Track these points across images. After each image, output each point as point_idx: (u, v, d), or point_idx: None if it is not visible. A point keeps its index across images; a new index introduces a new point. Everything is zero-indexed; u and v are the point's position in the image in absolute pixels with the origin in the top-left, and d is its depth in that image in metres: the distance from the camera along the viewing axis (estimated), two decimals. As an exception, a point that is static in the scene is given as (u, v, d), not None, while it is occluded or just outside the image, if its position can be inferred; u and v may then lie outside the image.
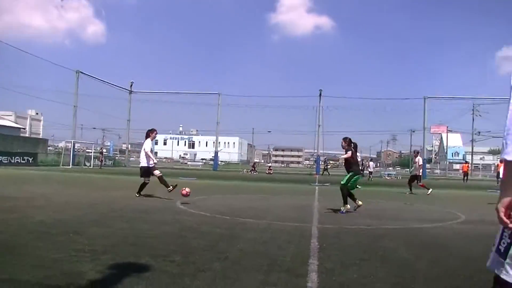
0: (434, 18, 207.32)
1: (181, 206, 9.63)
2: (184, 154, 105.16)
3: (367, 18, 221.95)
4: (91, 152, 47.39)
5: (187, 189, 10.48)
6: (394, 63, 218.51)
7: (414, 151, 22.57)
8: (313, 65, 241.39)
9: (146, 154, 11.59)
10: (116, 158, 61.02)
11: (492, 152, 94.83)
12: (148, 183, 11.61)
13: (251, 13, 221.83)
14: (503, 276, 1.72)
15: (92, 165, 40.93)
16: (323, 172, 45.83)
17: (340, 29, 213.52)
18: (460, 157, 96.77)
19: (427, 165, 57.53)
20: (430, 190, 17.51)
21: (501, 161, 23.92)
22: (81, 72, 42.55)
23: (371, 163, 39.89)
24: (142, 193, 11.52)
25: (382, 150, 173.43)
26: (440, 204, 12.94)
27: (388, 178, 43.92)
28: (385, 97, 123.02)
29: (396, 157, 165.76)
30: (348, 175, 9.71)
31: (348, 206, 9.54)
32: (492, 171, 56.22)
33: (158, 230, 6.52)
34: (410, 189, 18.00)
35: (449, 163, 79.10)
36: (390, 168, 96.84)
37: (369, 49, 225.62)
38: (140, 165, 11.82)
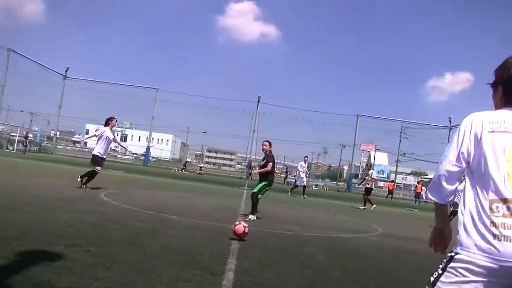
0: (374, 42, 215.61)
1: (105, 198, 9.32)
2: (115, 147, 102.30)
3: (312, 33, 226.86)
4: (16, 135, 44.86)
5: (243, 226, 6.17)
6: (331, 79, 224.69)
7: (367, 164, 22.83)
8: (255, 71, 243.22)
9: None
10: (43, 144, 58.11)
11: (414, 174, 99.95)
12: (98, 172, 11.08)
13: (199, 13, 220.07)
14: None
15: (15, 149, 38.76)
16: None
17: (285, 39, 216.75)
18: (385, 175, 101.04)
19: (354, 180, 59.44)
20: (374, 206, 17.77)
21: (418, 182, 25.22)
22: (13, 50, 40.27)
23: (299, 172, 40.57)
24: (88, 185, 10.89)
25: (313, 162, 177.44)
26: (361, 217, 13.40)
27: (315, 188, 44.99)
28: (321, 110, 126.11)
29: (325, 170, 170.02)
30: (262, 184, 9.10)
31: (255, 217, 8.78)
32: (412, 191, 58.99)
33: (78, 219, 6.26)
34: (370, 203, 17.96)
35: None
36: (319, 180, 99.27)
37: (310, 62, 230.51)
38: (93, 153, 11.31)
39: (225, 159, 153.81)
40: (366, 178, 19.50)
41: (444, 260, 1.98)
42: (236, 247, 5.58)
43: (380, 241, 8.36)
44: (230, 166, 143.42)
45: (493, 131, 2.00)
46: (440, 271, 1.98)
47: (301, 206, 14.94)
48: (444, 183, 2.06)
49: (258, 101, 49.21)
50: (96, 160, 11.09)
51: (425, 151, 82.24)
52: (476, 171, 2.01)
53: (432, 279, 2.02)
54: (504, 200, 1.88)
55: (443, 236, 2.16)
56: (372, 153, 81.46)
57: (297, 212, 12.35)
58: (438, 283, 1.97)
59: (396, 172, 74.71)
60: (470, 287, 1.85)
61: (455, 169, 2.04)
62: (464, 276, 1.87)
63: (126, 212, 7.79)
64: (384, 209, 21.08)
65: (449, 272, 1.94)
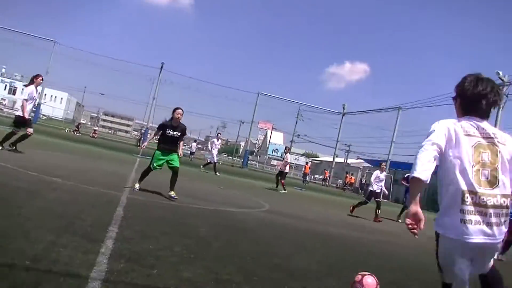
0: (284, 22, 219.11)
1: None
2: (1, 99, 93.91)
3: (226, 6, 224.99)
4: None
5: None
6: (238, 55, 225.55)
7: (286, 147, 22.55)
8: (162, 37, 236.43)
9: (23, 104, 10.53)
10: None
11: (306, 155, 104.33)
12: (16, 133, 10.55)
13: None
14: None
15: None
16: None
17: (198, 8, 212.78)
18: (279, 154, 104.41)
19: (249, 157, 60.74)
20: (285, 191, 17.76)
21: (307, 163, 26.27)
22: None
23: (193, 144, 40.88)
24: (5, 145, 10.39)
25: (211, 135, 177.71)
26: (252, 193, 13.81)
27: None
28: (224, 85, 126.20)
29: (223, 144, 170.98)
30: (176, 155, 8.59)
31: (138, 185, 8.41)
32: (301, 172, 61.62)
33: None
34: (276, 185, 18.22)
35: (268, 158, 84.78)
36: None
37: (220, 35, 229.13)
38: (16, 114, 10.78)
39: (121, 124, 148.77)
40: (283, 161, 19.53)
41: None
42: (119, 214, 5.51)
43: (265, 216, 8.71)
44: (127, 132, 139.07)
45: (468, 135, 2.60)
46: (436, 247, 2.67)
47: (192, 179, 15.00)
48: (426, 160, 2.54)
49: (161, 67, 48.05)
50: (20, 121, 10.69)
51: (318, 134, 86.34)
52: (453, 166, 2.56)
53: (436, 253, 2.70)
54: (471, 192, 2.49)
55: (419, 217, 2.53)
56: (269, 132, 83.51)
57: (188, 184, 12.39)
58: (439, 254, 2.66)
59: (290, 152, 77.39)
60: (460, 259, 2.54)
61: (433, 154, 2.55)
62: (447, 249, 2.58)
63: (4, 170, 7.32)
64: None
65: (439, 246, 2.63)
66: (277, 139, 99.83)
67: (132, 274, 3.28)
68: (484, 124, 2.67)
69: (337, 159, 63.19)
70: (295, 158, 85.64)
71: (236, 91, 76.18)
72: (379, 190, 13.50)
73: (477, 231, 2.46)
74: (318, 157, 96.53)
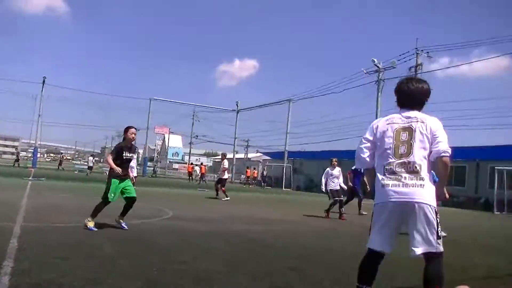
0: (168, 23, 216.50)
1: None
2: None
3: (104, 13, 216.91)
4: None
5: None
6: (124, 63, 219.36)
7: (222, 154, 21.59)
8: (38, 48, 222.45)
9: None
10: None
11: (207, 154, 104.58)
12: None
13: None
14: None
15: None
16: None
17: (74, 15, 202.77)
18: (180, 157, 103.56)
19: (149, 163, 59.58)
20: (228, 198, 17.40)
21: (202, 164, 26.82)
22: None
23: (90, 158, 40.00)
24: None
25: (106, 146, 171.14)
26: (153, 201, 13.66)
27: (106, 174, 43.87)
28: (113, 94, 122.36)
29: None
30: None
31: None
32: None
33: None
34: (225, 194, 17.55)
35: (169, 162, 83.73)
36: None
37: (104, 42, 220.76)
38: None
39: (6, 146, 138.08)
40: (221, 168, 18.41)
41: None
42: (14, 247, 5.27)
43: (169, 224, 8.74)
44: (13, 154, 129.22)
45: (388, 123, 3.43)
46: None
47: (92, 195, 14.48)
48: (361, 155, 3.53)
49: (43, 82, 45.53)
50: None
51: (216, 133, 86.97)
52: (379, 148, 3.42)
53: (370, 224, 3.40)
54: (390, 164, 3.28)
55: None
56: (166, 136, 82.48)
57: (87, 202, 11.95)
58: (372, 224, 3.37)
59: (190, 154, 77.23)
60: (384, 221, 3.26)
61: (365, 145, 3.51)
62: (379, 214, 3.29)
63: None
64: (179, 192, 21.77)
65: (373, 215, 3.37)
66: (175, 142, 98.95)
67: (34, 307, 3.21)
68: (411, 113, 3.42)
69: (238, 155, 64.21)
70: (197, 159, 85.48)
71: (128, 99, 74.07)
72: (338, 187, 13.13)
73: (393, 193, 3.20)
74: (218, 155, 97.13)
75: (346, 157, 40.30)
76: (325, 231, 9.78)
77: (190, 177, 44.73)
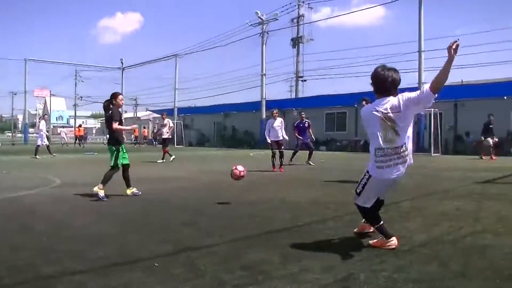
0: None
1: None
2: None
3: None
4: None
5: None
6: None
7: (162, 114, 21.06)
8: None
9: None
10: None
11: (94, 116, 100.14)
12: None
13: None
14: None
15: None
16: None
17: None
18: (65, 121, 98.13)
19: (31, 129, 55.80)
20: (173, 157, 17.65)
21: (80, 126, 26.92)
22: None
23: None
24: None
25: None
26: (40, 171, 13.13)
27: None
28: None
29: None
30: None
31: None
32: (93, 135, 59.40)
33: None
34: (169, 154, 17.77)
35: (53, 127, 79.02)
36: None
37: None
38: None
39: None
40: (160, 128, 18.80)
41: (365, 177, 4.33)
42: None
43: (55, 192, 8.57)
44: None
45: (375, 111, 4.11)
46: (365, 181, 4.34)
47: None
48: None
49: None
50: None
51: (102, 92, 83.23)
52: (371, 134, 4.20)
53: (360, 188, 4.40)
54: (380, 149, 4.13)
55: None
56: (48, 99, 77.37)
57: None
58: (366, 187, 4.32)
59: (75, 117, 73.54)
60: (378, 189, 4.37)
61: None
62: (377, 186, 4.32)
63: None
64: (65, 157, 20.94)
65: (372, 185, 4.29)
66: (58, 105, 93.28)
67: None
68: (389, 99, 4.10)
69: (126, 115, 62.39)
70: (83, 122, 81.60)
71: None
72: (280, 139, 13.57)
73: (388, 171, 4.15)
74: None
75: (235, 110, 41.48)
76: (214, 184, 10.20)
77: (79, 141, 43.06)
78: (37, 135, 21.88)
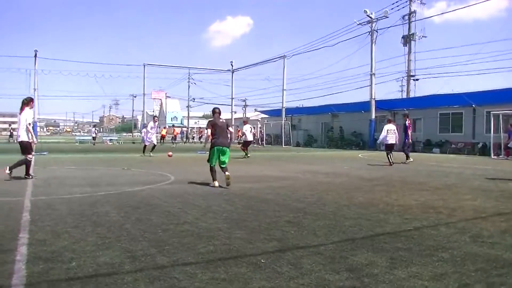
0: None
1: None
2: None
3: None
4: None
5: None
6: (114, 29, 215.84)
7: (244, 120, 25.11)
8: (28, 23, 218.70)
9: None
10: None
11: (206, 117, 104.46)
12: (30, 160, 10.37)
13: None
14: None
15: None
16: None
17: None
18: (179, 121, 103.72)
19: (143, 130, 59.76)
20: (249, 155, 20.63)
21: (164, 127, 29.31)
22: None
23: (92, 129, 41.03)
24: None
25: (105, 115, 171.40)
26: (156, 167, 14.01)
27: (110, 143, 44.15)
28: (106, 62, 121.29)
29: (119, 122, 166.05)
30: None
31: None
32: (204, 135, 62.17)
33: None
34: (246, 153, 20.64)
35: (168, 127, 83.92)
36: (113, 134, 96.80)
37: (88, 13, 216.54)
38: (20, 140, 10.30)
39: (5, 122, 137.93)
40: (245, 133, 21.91)
41: None
42: (27, 220, 5.62)
43: (170, 188, 9.09)
44: (13, 130, 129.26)
45: None
46: None
47: (91, 165, 14.84)
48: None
49: (35, 56, 45.25)
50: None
51: (213, 94, 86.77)
52: None
53: None
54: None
55: None
56: (164, 101, 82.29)
57: (91, 172, 12.32)
58: None
59: (188, 117, 77.38)
60: None
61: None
62: None
63: None
64: (180, 156, 22.10)
65: None
66: (173, 106, 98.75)
67: (52, 272, 3.55)
68: None
69: (236, 116, 64.29)
70: (195, 122, 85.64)
71: (122, 67, 73.52)
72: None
73: None
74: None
75: (343, 110, 40.83)
76: (319, 185, 10.12)
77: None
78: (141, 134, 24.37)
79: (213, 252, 4.19)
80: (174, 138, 47.11)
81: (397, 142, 17.16)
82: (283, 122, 44.79)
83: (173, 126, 52.51)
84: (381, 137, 17.14)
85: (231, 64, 56.84)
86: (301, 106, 52.70)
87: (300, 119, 48.63)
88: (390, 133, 16.54)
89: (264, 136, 47.37)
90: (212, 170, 9.57)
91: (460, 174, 12.23)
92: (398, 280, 3.42)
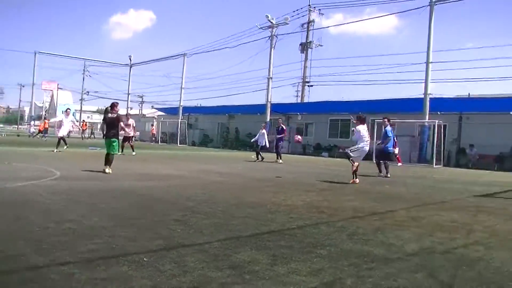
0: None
1: None
2: None
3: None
4: None
5: None
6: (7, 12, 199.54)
7: (127, 114, 23.34)
8: None
9: None
10: None
11: (99, 111, 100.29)
12: None
13: None
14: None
15: None
16: None
17: None
18: (71, 114, 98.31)
19: (37, 122, 56.02)
20: (135, 153, 19.65)
21: (83, 121, 28.21)
22: None
23: None
24: None
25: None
26: (42, 162, 13.17)
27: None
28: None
29: (4, 113, 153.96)
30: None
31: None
32: (99, 130, 59.62)
33: None
34: (132, 149, 19.88)
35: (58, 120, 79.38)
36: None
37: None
38: None
39: None
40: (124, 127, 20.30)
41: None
42: None
43: (55, 184, 8.60)
44: None
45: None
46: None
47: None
48: None
49: None
50: None
51: (108, 88, 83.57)
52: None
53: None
54: None
55: None
56: (55, 92, 77.77)
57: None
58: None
59: (81, 111, 73.84)
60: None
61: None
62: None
63: None
64: (71, 151, 20.96)
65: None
66: (65, 99, 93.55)
67: None
68: None
69: (132, 111, 62.61)
70: (88, 117, 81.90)
71: (10, 53, 68.07)
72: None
73: None
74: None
75: (240, 112, 41.50)
76: (211, 184, 10.21)
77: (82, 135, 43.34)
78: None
79: (94, 251, 4.05)
80: (41, 131, 41.45)
81: (267, 144, 20.77)
82: (179, 120, 44.40)
83: (45, 118, 48.47)
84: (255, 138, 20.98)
85: (130, 58, 55.28)
86: (199, 105, 52.62)
87: (197, 118, 48.54)
88: (261, 135, 20.55)
89: (160, 134, 46.54)
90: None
91: (345, 177, 12.99)
92: (278, 276, 3.56)
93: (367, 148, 11.68)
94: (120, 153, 18.34)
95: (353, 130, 12.08)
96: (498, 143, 24.28)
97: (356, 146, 11.66)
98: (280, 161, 20.08)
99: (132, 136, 20.75)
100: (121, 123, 11.31)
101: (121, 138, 12.90)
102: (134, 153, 19.55)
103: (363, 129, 11.77)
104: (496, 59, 46.44)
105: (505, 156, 24.32)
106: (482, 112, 26.03)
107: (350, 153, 11.64)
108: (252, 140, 21.72)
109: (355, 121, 12.38)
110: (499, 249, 4.86)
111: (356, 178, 11.55)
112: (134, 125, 21.17)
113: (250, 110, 39.38)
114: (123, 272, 3.48)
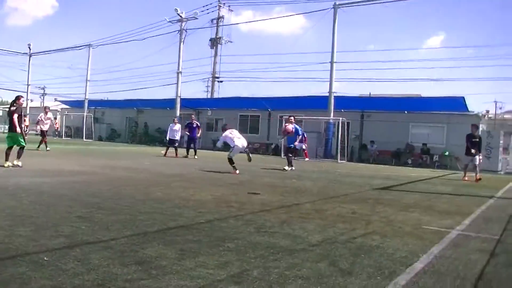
0: None
1: None
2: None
3: None
4: None
5: None
6: None
7: (45, 107, 21.16)
8: None
9: None
10: None
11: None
12: None
13: None
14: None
15: None
16: None
17: None
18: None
19: None
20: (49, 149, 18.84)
21: None
22: None
23: None
24: None
25: None
26: None
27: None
28: None
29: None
30: None
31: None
32: None
33: None
34: (45, 144, 18.95)
35: None
36: None
37: None
38: None
39: None
40: (43, 120, 19.63)
41: None
42: None
43: None
44: None
45: None
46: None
47: None
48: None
49: None
50: None
51: (5, 78, 77.95)
52: None
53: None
54: None
55: None
56: None
57: None
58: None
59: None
60: None
61: None
62: None
63: None
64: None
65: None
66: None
67: None
68: None
69: (32, 104, 58.98)
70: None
71: None
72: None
73: None
74: (8, 104, 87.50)
75: (149, 106, 40.63)
76: (117, 180, 9.92)
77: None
78: None
79: (-13, 252, 3.78)
80: None
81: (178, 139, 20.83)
82: (85, 114, 42.52)
83: None
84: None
85: (29, 47, 51.81)
86: (105, 99, 50.64)
87: (103, 112, 46.72)
88: (173, 131, 20.52)
89: (64, 128, 44.22)
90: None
91: (254, 172, 13.22)
92: (186, 270, 3.56)
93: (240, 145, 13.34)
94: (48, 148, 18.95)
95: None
96: (396, 139, 26.12)
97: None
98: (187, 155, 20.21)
99: (46, 131, 19.87)
100: (14, 116, 11.24)
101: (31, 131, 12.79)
102: (48, 149, 18.89)
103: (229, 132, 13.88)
104: (396, 61, 49.68)
105: (401, 152, 26.20)
106: (382, 111, 27.77)
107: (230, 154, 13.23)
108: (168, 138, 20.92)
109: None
110: (393, 237, 5.23)
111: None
112: (54, 118, 21.19)
113: (160, 104, 38.71)
114: (21, 273, 3.28)
